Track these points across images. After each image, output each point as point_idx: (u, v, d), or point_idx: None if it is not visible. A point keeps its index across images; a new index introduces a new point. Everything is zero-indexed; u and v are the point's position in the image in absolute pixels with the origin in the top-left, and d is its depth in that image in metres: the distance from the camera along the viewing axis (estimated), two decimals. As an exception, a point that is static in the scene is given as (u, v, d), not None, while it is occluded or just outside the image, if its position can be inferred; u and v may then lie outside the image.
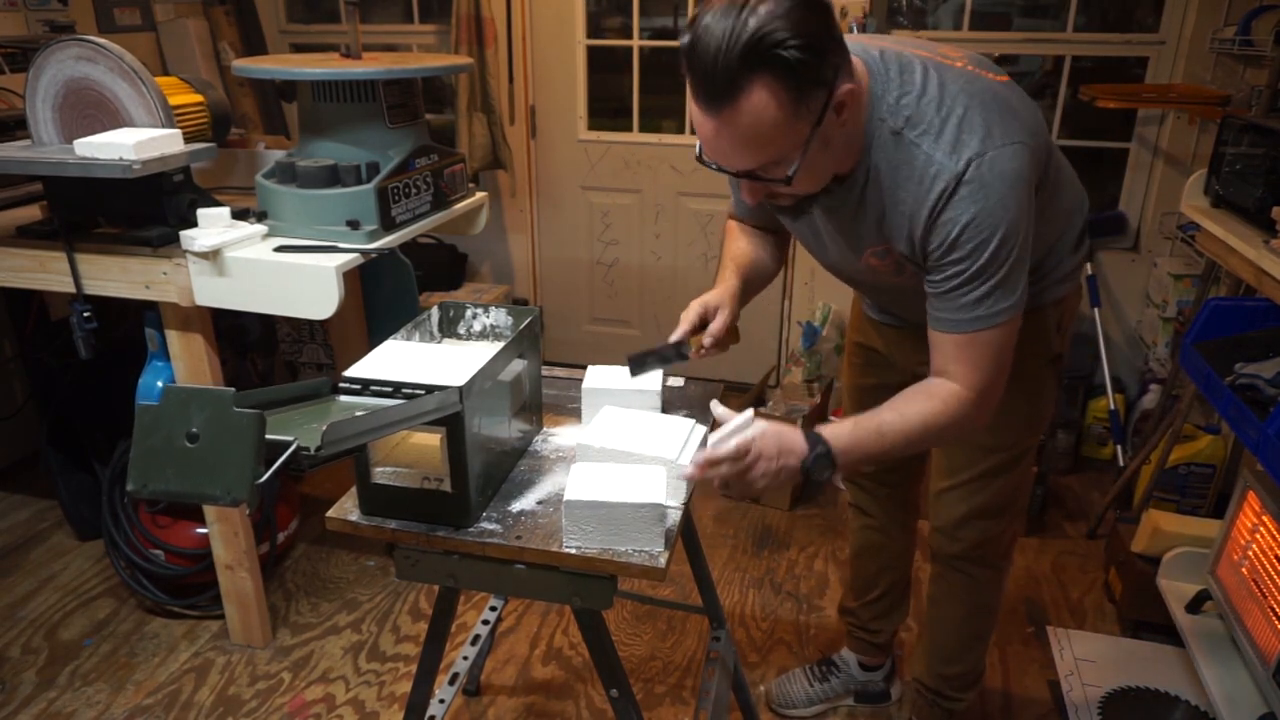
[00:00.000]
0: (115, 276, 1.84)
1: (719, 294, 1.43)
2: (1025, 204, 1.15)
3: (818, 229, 1.34)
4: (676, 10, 3.32)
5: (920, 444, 1.24)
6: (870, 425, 1.20)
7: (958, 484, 1.59)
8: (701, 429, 1.30)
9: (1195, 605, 2.02)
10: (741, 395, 3.14)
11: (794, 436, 1.17)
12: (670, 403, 1.49)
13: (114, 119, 1.83)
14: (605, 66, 3.44)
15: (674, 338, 1.39)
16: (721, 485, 1.17)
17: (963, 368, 1.21)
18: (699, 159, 1.16)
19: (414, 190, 2.02)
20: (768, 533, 2.70)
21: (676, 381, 1.59)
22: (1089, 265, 2.98)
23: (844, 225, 1.28)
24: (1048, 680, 2.10)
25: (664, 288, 3.60)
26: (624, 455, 1.22)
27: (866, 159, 1.18)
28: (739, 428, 1.15)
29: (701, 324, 1.41)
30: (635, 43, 3.33)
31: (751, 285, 1.48)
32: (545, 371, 1.55)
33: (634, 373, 1.38)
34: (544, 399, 1.50)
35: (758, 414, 1.16)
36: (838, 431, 1.19)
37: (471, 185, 2.33)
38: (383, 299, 2.45)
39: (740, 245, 1.51)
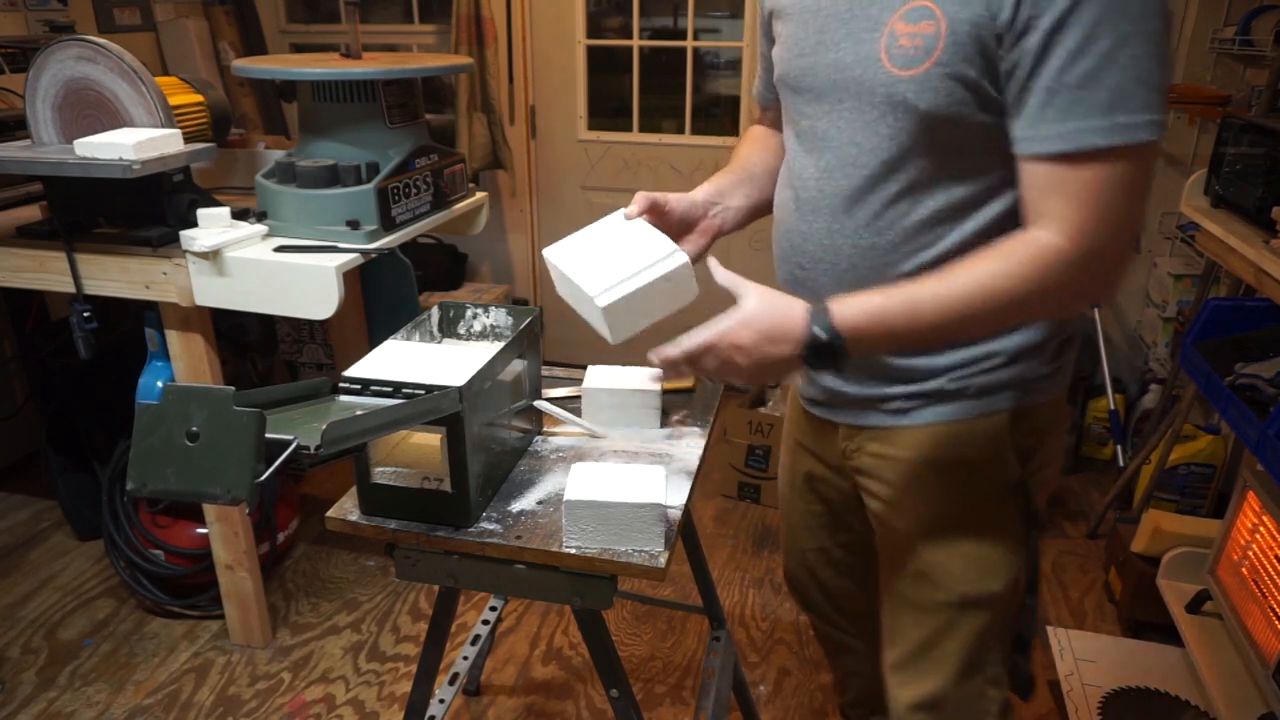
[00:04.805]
0: (115, 276, 1.84)
1: (688, 196, 1.20)
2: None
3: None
4: (676, 10, 3.32)
5: (975, 323, 0.92)
6: (898, 299, 0.92)
7: (901, 658, 1.24)
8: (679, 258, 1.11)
9: (1195, 605, 2.02)
10: (742, 395, 3.13)
11: (788, 323, 0.94)
12: (669, 408, 1.49)
13: (114, 119, 1.83)
14: (605, 66, 3.44)
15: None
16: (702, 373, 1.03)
17: (1063, 204, 0.86)
18: None
19: (414, 190, 2.02)
20: (768, 533, 2.70)
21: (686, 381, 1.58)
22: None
23: None
24: (1048, 680, 2.10)
25: (664, 288, 3.59)
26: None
27: None
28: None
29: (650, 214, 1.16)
30: (635, 43, 3.33)
31: (753, 188, 1.27)
32: (545, 371, 1.55)
33: None
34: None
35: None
36: (853, 310, 0.93)
37: (471, 185, 2.33)
38: (383, 299, 2.45)
39: (746, 149, 1.33)
